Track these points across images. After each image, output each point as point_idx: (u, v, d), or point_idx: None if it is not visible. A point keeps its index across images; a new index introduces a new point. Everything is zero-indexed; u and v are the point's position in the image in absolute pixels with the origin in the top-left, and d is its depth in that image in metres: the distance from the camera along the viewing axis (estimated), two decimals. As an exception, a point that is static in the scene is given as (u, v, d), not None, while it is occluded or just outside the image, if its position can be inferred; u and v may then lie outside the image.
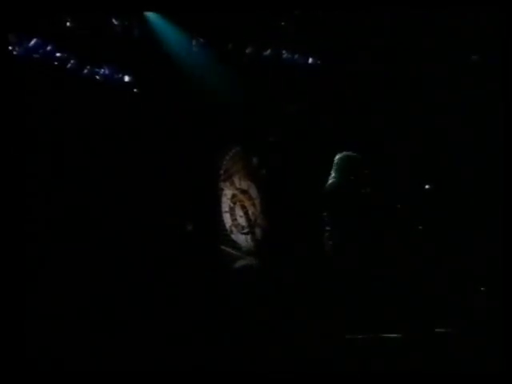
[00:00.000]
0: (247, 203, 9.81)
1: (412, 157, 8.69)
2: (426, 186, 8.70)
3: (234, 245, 9.61)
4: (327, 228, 6.85)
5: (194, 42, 9.16)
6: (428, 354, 5.48)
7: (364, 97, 9.10)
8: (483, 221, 8.14)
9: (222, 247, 9.50)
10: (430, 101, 8.81)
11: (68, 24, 8.09)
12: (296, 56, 9.39)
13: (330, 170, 6.95)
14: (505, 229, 5.28)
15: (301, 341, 6.25)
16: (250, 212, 9.80)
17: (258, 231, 9.78)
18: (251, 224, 9.77)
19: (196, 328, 7.27)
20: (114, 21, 8.48)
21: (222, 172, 9.68)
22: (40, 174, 7.53)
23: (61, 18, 7.99)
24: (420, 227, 7.79)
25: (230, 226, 9.66)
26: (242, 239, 9.69)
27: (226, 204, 9.69)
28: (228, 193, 9.72)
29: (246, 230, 9.73)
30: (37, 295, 7.00)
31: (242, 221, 9.74)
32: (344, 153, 6.94)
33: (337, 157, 6.93)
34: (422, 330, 6.36)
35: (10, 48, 7.36)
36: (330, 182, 6.87)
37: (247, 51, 9.33)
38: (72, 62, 8.11)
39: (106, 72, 8.40)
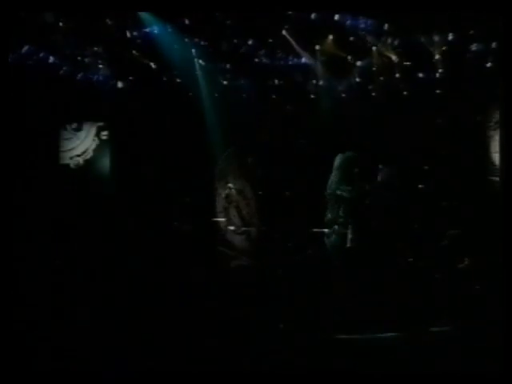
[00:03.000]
0: (242, 203, 9.79)
1: (411, 154, 8.75)
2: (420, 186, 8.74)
3: (229, 245, 9.61)
4: (328, 226, 6.93)
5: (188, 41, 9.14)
6: (428, 353, 5.50)
7: (362, 97, 9.14)
8: (483, 220, 8.17)
9: (218, 247, 9.49)
10: (429, 100, 8.87)
11: (60, 27, 8.06)
12: (291, 56, 9.39)
13: (327, 170, 7.08)
14: (505, 229, 5.30)
15: (299, 340, 6.27)
16: (244, 212, 9.79)
17: (252, 231, 9.78)
18: (246, 224, 9.77)
19: (192, 327, 7.27)
20: (108, 21, 8.46)
21: (216, 172, 9.68)
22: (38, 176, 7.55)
23: (54, 22, 7.98)
24: (416, 226, 7.84)
25: (225, 226, 9.67)
26: (237, 239, 9.69)
27: (220, 204, 9.69)
28: (223, 193, 9.72)
29: (240, 230, 9.72)
30: (37, 294, 7.00)
31: (236, 221, 9.73)
32: (344, 153, 7.07)
33: (337, 157, 7.06)
34: (422, 330, 6.40)
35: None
36: (331, 180, 6.97)
37: (242, 51, 9.31)
38: (65, 68, 8.12)
39: (100, 78, 8.41)
